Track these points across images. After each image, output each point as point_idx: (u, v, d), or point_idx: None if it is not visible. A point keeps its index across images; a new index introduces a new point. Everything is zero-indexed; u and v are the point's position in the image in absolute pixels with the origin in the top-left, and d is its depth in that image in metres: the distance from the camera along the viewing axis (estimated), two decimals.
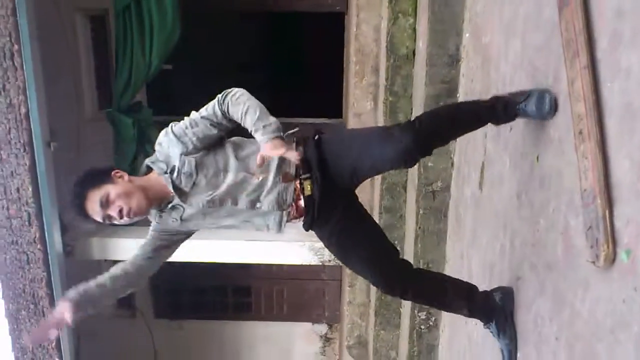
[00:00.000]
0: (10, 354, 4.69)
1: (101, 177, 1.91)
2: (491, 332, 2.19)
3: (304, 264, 4.76)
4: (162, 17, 4.44)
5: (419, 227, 3.48)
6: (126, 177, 1.93)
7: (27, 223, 4.26)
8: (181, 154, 1.90)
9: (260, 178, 1.93)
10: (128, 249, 4.74)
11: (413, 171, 3.64)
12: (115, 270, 2.07)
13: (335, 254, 2.16)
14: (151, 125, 4.78)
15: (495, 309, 2.16)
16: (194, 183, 1.91)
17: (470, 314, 2.21)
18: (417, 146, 1.88)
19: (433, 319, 3.56)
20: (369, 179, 4.20)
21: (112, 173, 1.93)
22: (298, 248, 4.61)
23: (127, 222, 1.93)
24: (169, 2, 4.43)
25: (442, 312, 3.49)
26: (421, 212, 3.44)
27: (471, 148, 2.95)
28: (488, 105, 2.03)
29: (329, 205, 1.99)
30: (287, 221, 2.01)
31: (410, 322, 3.64)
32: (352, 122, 4.57)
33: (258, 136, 1.82)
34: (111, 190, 1.87)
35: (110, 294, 2.08)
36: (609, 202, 1.40)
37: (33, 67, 3.86)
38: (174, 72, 5.59)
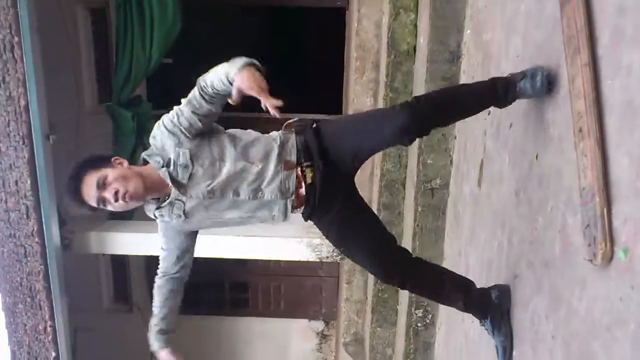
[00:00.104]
0: (7, 348, 4.69)
1: (101, 161, 1.91)
2: (486, 329, 2.18)
3: (301, 260, 4.76)
4: (163, 11, 4.42)
5: (417, 225, 3.47)
6: (125, 164, 1.93)
7: (25, 216, 4.25)
8: (175, 146, 1.89)
9: (260, 166, 1.92)
10: (125, 244, 4.75)
11: (412, 168, 3.64)
12: (162, 297, 2.14)
13: (335, 243, 2.17)
14: (151, 119, 4.77)
15: (490, 306, 2.15)
16: (190, 174, 1.89)
17: (466, 308, 2.21)
18: (415, 124, 1.88)
19: (430, 316, 3.56)
20: (370, 182, 4.21)
21: (112, 159, 1.92)
22: (296, 244, 4.61)
23: (122, 208, 1.90)
24: None
25: (439, 309, 3.49)
26: (419, 209, 3.44)
27: (470, 145, 2.95)
28: (489, 86, 2.03)
29: (329, 194, 1.98)
30: (292, 210, 1.99)
31: (407, 320, 3.63)
32: None
33: (232, 77, 1.74)
34: (109, 173, 1.86)
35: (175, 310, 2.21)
36: (608, 200, 1.39)
37: (33, 60, 3.85)
38: (174, 66, 5.57)
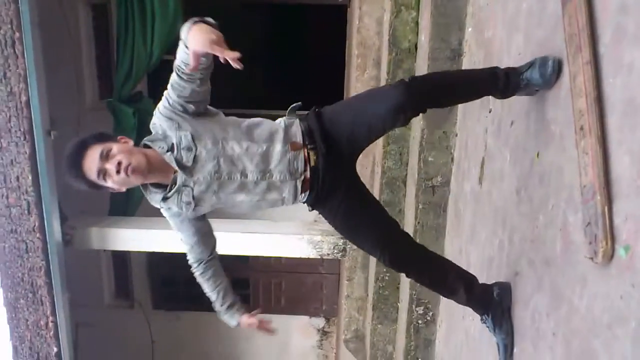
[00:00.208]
0: (9, 343, 4.70)
1: (106, 137, 1.89)
2: (487, 326, 2.18)
3: (302, 257, 4.76)
4: (164, 7, 4.43)
5: (418, 222, 3.48)
6: (131, 143, 1.92)
7: (26, 212, 4.27)
8: (175, 130, 1.87)
9: (265, 147, 1.91)
10: (127, 240, 4.76)
11: (413, 166, 3.64)
12: (211, 283, 2.20)
13: (341, 230, 2.17)
14: (151, 116, 4.76)
15: (492, 302, 2.16)
16: (195, 156, 1.86)
17: (467, 302, 2.21)
18: (408, 100, 1.87)
19: (430, 313, 3.57)
20: (371, 179, 4.19)
21: (118, 138, 1.91)
22: (296, 241, 4.62)
23: (121, 183, 1.84)
24: None
25: (440, 307, 3.49)
26: (420, 206, 3.44)
27: (472, 143, 2.94)
28: (490, 72, 2.02)
29: (333, 178, 1.98)
30: (302, 192, 1.97)
31: (408, 317, 3.64)
32: None
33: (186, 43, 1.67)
34: (114, 146, 1.84)
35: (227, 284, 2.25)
36: (609, 198, 1.39)
37: (34, 56, 3.85)
38: None
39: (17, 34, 3.83)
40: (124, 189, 1.92)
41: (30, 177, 4.13)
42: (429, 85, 1.99)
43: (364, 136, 2.02)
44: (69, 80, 5.12)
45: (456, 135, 3.31)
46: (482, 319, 2.22)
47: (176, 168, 1.88)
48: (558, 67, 1.80)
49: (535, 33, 2.05)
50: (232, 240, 4.56)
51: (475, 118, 2.87)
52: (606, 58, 1.47)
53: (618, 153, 1.38)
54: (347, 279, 4.80)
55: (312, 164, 1.94)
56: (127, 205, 5.06)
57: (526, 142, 2.09)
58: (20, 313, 4.56)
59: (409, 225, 3.71)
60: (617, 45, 1.42)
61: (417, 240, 3.44)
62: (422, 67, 3.50)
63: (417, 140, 3.49)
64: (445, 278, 2.18)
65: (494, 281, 2.26)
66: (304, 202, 2.05)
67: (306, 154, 1.94)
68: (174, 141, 1.87)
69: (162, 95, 1.92)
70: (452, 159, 3.36)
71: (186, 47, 1.68)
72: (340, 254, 4.65)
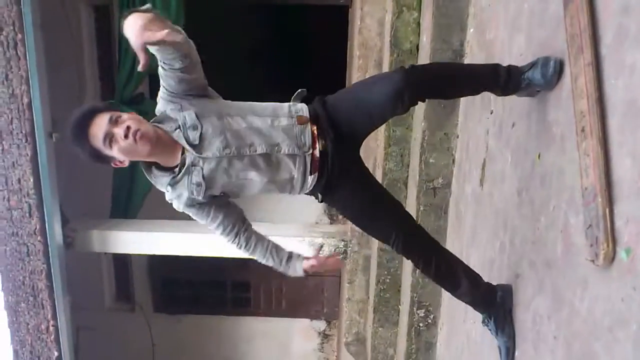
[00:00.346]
0: (9, 347, 4.69)
1: (117, 109, 1.86)
2: (489, 329, 2.17)
3: None
4: (166, 8, 4.42)
5: (419, 224, 3.47)
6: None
7: (27, 214, 4.25)
8: (179, 111, 1.86)
9: (270, 120, 1.90)
10: (128, 242, 4.76)
11: (414, 167, 3.63)
12: (260, 250, 2.12)
13: (354, 217, 2.17)
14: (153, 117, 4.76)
15: (494, 303, 2.15)
16: (201, 134, 1.84)
17: (470, 299, 2.20)
18: (407, 85, 1.87)
19: (432, 316, 3.56)
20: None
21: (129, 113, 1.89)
22: (297, 243, 4.60)
23: (127, 151, 1.78)
24: None
25: (441, 310, 3.48)
26: (421, 208, 3.43)
27: (473, 144, 2.94)
28: (491, 67, 2.02)
29: (342, 162, 1.97)
30: (311, 173, 1.95)
31: (409, 320, 3.63)
32: None
33: None
34: (124, 114, 1.81)
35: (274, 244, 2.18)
36: (610, 201, 1.39)
37: (36, 57, 3.84)
38: None
39: (20, 36, 3.82)
40: (127, 162, 1.88)
41: (31, 180, 4.12)
42: (429, 73, 2.01)
43: (366, 122, 2.02)
44: (71, 81, 5.11)
45: (457, 136, 3.30)
46: (483, 322, 2.21)
47: (185, 145, 1.85)
48: (560, 67, 1.79)
49: (536, 34, 2.04)
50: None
51: (477, 119, 2.86)
52: (608, 59, 1.46)
53: (619, 155, 1.37)
54: (348, 282, 4.79)
55: (321, 148, 1.94)
56: (129, 207, 5.06)
57: (527, 143, 2.08)
58: (21, 317, 4.55)
59: None
60: (618, 46, 1.41)
61: None
62: None
63: (418, 142, 3.48)
64: (451, 269, 2.17)
65: (495, 283, 2.25)
66: (312, 191, 2.02)
67: (314, 130, 1.93)
68: (180, 122, 1.85)
69: None
70: (453, 161, 3.35)
71: None
72: (341, 256, 4.64)
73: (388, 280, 4.12)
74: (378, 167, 4.21)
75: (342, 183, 2.01)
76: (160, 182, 1.94)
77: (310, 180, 1.97)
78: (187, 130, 1.84)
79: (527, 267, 2.00)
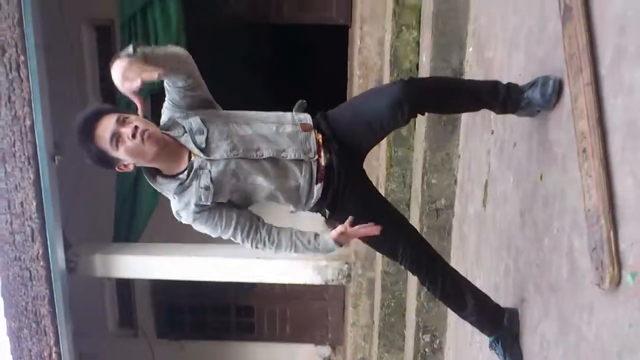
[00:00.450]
0: None
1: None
2: (497, 353, 2.14)
3: (307, 283, 4.69)
4: (167, 28, 4.45)
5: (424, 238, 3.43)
6: None
7: (30, 238, 4.22)
8: (184, 118, 1.87)
9: (275, 127, 1.90)
10: (131, 267, 4.72)
11: (416, 188, 3.60)
12: (283, 240, 1.97)
13: (361, 240, 2.09)
14: None
15: (501, 325, 2.12)
16: (207, 138, 1.84)
17: (476, 319, 2.16)
18: (406, 96, 1.86)
19: (437, 341, 3.50)
20: None
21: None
22: (301, 268, 4.55)
23: (133, 152, 1.76)
24: (174, 13, 4.44)
25: (447, 334, 3.42)
26: (425, 230, 3.39)
27: (475, 165, 2.91)
28: (490, 83, 2.03)
29: (347, 174, 1.95)
30: (317, 182, 1.91)
31: (415, 345, 3.57)
32: None
33: None
34: (132, 115, 1.80)
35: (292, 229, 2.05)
36: (613, 223, 1.36)
37: (39, 79, 3.83)
38: None
39: (22, 58, 3.81)
40: (131, 167, 1.86)
41: (34, 203, 4.09)
42: (428, 85, 2.02)
43: (367, 133, 2.00)
44: (73, 103, 5.12)
45: (459, 156, 3.28)
46: (491, 345, 2.17)
47: (193, 149, 1.84)
48: (559, 87, 1.78)
49: (535, 53, 2.03)
50: (236, 267, 4.50)
51: (478, 139, 2.84)
52: (607, 79, 1.44)
53: (621, 175, 1.35)
54: (352, 306, 4.73)
55: (326, 161, 1.92)
56: (131, 230, 5.03)
57: (529, 164, 2.06)
58: (24, 343, 4.50)
59: None
60: (617, 66, 1.39)
61: None
62: None
63: (420, 163, 3.46)
64: (457, 287, 2.13)
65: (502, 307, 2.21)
66: (318, 206, 1.99)
67: (319, 139, 1.92)
68: (186, 127, 1.86)
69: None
70: (456, 181, 3.33)
71: None
72: (345, 279, 4.59)
73: (393, 304, 4.07)
74: (380, 187, 4.19)
75: (348, 196, 1.97)
76: (167, 188, 1.90)
77: (316, 190, 1.94)
78: (194, 135, 1.84)
79: (533, 290, 1.96)
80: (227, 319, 6.44)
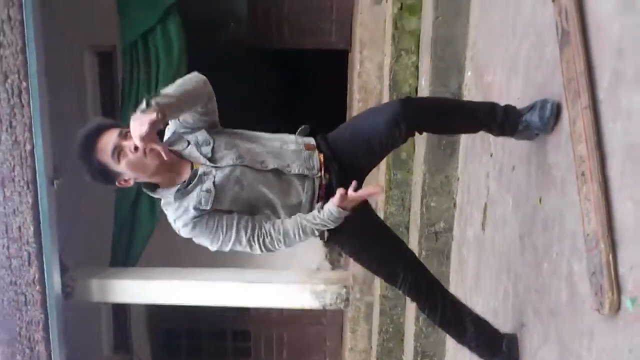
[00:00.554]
0: None
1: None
2: None
3: (304, 308, 4.64)
4: (169, 54, 4.47)
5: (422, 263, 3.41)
6: None
7: (26, 263, 4.19)
8: (190, 133, 1.90)
9: (279, 145, 1.93)
10: (128, 291, 4.67)
11: (415, 211, 3.59)
12: (276, 225, 1.88)
13: (361, 256, 2.11)
14: None
15: (500, 349, 2.09)
16: (213, 147, 1.86)
17: (475, 345, 2.14)
18: (403, 113, 1.88)
19: None
20: None
21: None
22: (299, 292, 4.51)
23: (135, 166, 1.75)
24: (175, 38, 4.47)
25: (445, 358, 3.38)
26: (424, 253, 3.37)
27: (474, 188, 2.91)
28: (488, 104, 2.04)
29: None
30: (318, 200, 1.89)
31: None
32: None
33: None
34: None
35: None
36: (613, 247, 1.34)
37: (40, 105, 3.86)
38: None
39: (24, 84, 3.84)
40: (131, 182, 1.85)
41: (32, 228, 4.07)
42: (425, 104, 2.05)
43: (366, 152, 2.00)
44: (74, 127, 5.12)
45: (458, 179, 3.28)
46: None
47: (199, 159, 1.84)
48: (557, 110, 1.79)
49: (534, 78, 2.04)
50: (232, 291, 4.45)
51: (477, 162, 2.84)
52: (605, 103, 1.45)
53: (620, 199, 1.34)
54: (350, 331, 4.67)
55: (326, 181, 1.92)
56: (129, 254, 5.00)
57: (528, 187, 2.05)
58: None
59: None
60: (615, 90, 1.39)
61: None
62: None
63: (419, 185, 3.45)
64: (457, 313, 2.12)
65: (501, 332, 2.18)
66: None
67: (321, 158, 1.94)
68: (192, 141, 1.88)
69: None
70: (455, 204, 3.32)
71: None
72: (343, 303, 4.54)
73: (391, 329, 4.02)
74: (379, 210, 4.17)
75: (348, 219, 1.92)
76: (168, 193, 1.87)
77: (318, 207, 1.91)
78: (200, 146, 1.87)
79: (532, 315, 1.94)
80: (223, 344, 6.36)
